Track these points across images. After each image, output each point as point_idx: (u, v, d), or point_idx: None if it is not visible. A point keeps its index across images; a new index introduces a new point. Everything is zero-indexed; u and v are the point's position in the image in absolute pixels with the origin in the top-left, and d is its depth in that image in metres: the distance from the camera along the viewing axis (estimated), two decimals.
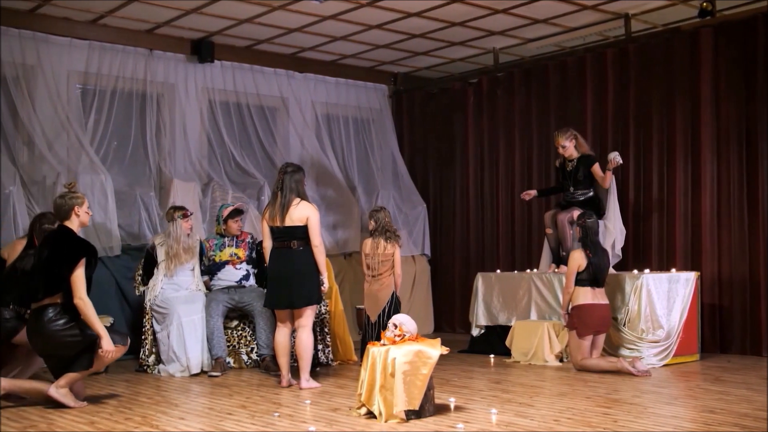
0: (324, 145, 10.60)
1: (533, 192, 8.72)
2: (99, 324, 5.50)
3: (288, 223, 6.27)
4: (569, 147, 8.08)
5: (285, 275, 6.27)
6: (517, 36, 9.61)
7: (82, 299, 5.43)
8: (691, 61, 8.53)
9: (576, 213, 7.67)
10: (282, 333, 6.38)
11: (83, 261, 5.46)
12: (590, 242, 7.06)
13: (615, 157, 7.88)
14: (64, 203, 5.61)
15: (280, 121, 10.50)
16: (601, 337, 7.07)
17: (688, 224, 8.53)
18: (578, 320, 6.96)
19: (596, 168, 8.02)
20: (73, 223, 5.62)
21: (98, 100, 9.01)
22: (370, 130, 11.26)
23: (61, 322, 5.40)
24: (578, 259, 7.01)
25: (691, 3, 8.39)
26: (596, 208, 7.99)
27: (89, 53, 8.96)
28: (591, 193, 8.09)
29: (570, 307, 7.07)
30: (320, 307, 7.73)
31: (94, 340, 5.46)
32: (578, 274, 7.00)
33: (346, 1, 8.33)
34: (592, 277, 6.97)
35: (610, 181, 8.02)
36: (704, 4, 8.25)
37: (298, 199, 6.31)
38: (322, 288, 6.47)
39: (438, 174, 11.24)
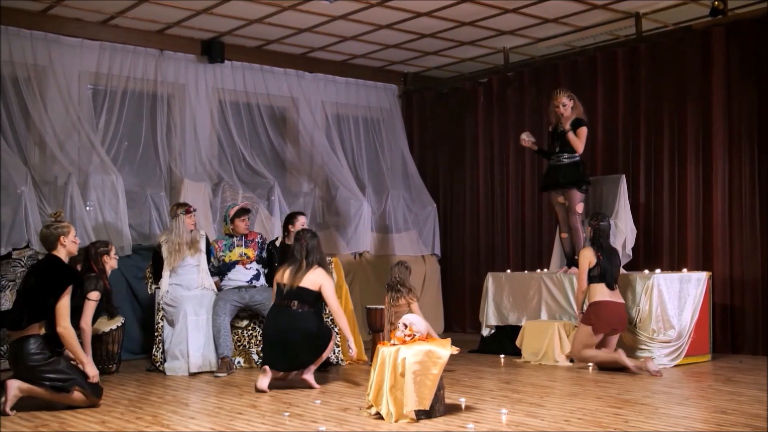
0: (334, 144, 10.60)
1: (535, 146, 8.27)
2: (81, 352, 5.51)
3: (297, 283, 6.28)
4: (569, 106, 7.88)
5: (281, 337, 6.22)
6: (528, 35, 9.59)
7: (66, 328, 5.40)
8: (702, 60, 8.49)
9: (579, 207, 7.74)
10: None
11: (69, 289, 5.44)
12: (602, 244, 7.07)
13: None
14: (49, 233, 5.58)
15: (290, 121, 10.52)
16: (615, 338, 7.05)
17: (700, 224, 8.49)
18: (595, 317, 6.93)
19: (582, 130, 7.79)
20: (61, 253, 5.58)
21: (109, 100, 9.05)
22: (380, 129, 11.26)
23: (42, 356, 5.35)
24: (588, 256, 7.01)
25: (703, 2, 8.35)
26: (579, 173, 7.86)
27: (100, 54, 9.00)
28: (577, 158, 7.88)
29: (587, 303, 7.06)
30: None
31: (71, 382, 5.41)
32: (590, 271, 7.00)
33: (356, 1, 8.33)
34: (602, 275, 6.97)
35: (580, 147, 7.80)
36: (716, 2, 8.21)
37: (316, 266, 6.36)
38: (350, 353, 6.47)
39: (448, 174, 11.23)
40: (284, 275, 6.37)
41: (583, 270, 7.03)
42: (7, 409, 5.25)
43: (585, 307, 7.09)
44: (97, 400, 5.55)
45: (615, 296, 7.02)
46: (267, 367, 6.19)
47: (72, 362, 5.56)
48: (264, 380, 6.13)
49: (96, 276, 6.44)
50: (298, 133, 10.48)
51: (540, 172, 9.86)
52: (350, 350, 6.46)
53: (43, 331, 5.44)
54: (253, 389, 6.17)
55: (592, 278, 7.00)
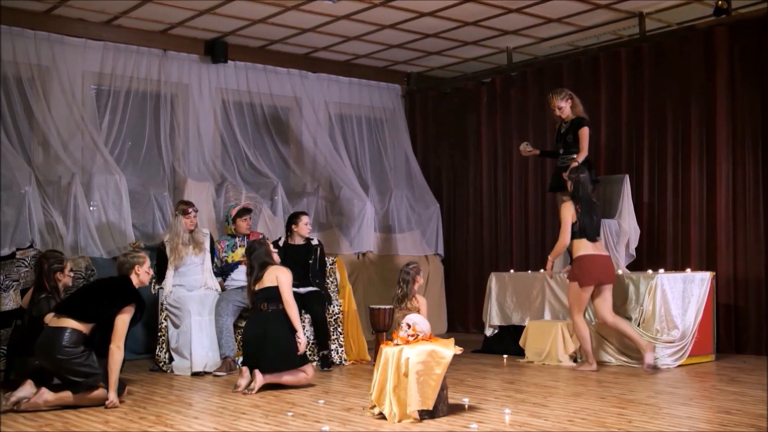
0: (337, 144, 10.61)
1: (536, 151, 8.48)
2: (116, 378, 5.52)
3: (260, 286, 6.36)
4: (566, 108, 7.83)
5: (254, 339, 6.26)
6: (531, 35, 9.59)
7: (119, 348, 5.49)
8: (705, 59, 8.48)
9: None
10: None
11: (132, 309, 5.55)
12: (582, 197, 7.02)
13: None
14: (126, 261, 5.83)
15: (294, 121, 10.52)
16: (608, 291, 7.01)
17: (703, 224, 8.48)
18: (579, 271, 6.93)
19: (583, 132, 7.70)
20: (133, 280, 5.78)
21: (113, 100, 9.06)
22: (383, 129, 11.27)
23: (76, 350, 5.40)
24: (571, 209, 6.97)
25: (706, 1, 8.34)
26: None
27: (104, 54, 9.02)
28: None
29: (571, 259, 7.09)
30: (334, 306, 7.74)
31: (98, 377, 5.46)
32: (572, 226, 6.97)
33: (359, 1, 8.33)
34: (582, 230, 6.94)
35: (583, 155, 7.66)
36: (719, 2, 8.19)
37: (270, 265, 6.43)
38: (299, 347, 6.33)
39: (451, 173, 11.23)
40: (248, 288, 6.52)
41: (566, 223, 6.96)
42: (21, 406, 5.31)
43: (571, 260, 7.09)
44: (120, 397, 5.63)
45: (598, 249, 7.02)
46: (244, 368, 6.23)
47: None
48: (241, 380, 6.15)
49: (47, 297, 6.23)
50: (301, 133, 10.48)
51: (543, 171, 9.89)
52: (298, 342, 6.31)
53: (84, 331, 5.46)
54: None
55: (573, 234, 6.97)
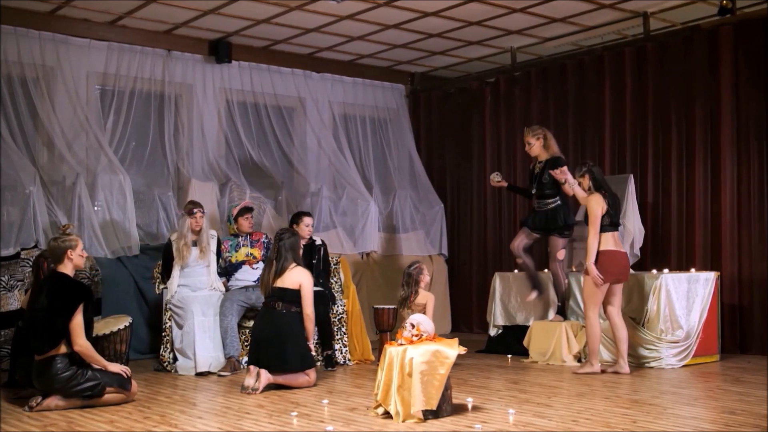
0: (341, 144, 10.61)
1: (504, 183, 8.26)
2: (103, 360, 5.55)
3: (279, 284, 6.33)
4: (535, 145, 7.69)
5: (264, 337, 6.26)
6: (535, 35, 9.58)
7: (82, 345, 5.44)
8: (710, 59, 8.47)
9: (561, 254, 7.70)
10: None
11: (81, 307, 5.45)
12: (607, 190, 6.88)
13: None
14: (57, 246, 5.59)
15: (298, 121, 10.53)
16: (620, 288, 6.96)
17: (708, 224, 8.47)
18: (599, 266, 6.77)
19: (563, 168, 7.32)
20: (67, 267, 5.61)
21: (117, 100, 9.07)
22: (387, 129, 11.26)
23: (69, 374, 5.41)
24: (600, 201, 6.79)
25: (711, 1, 8.33)
26: (560, 219, 7.59)
27: (108, 54, 9.03)
28: (558, 202, 7.62)
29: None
30: (338, 306, 7.74)
31: (100, 386, 5.47)
32: (601, 219, 6.81)
33: (363, 0, 8.33)
34: (613, 218, 6.82)
35: (571, 191, 7.24)
36: (724, 1, 8.17)
37: (294, 264, 6.41)
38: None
39: (455, 174, 11.23)
40: (264, 276, 6.47)
41: (597, 217, 6.76)
42: (33, 408, 5.36)
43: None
44: (131, 393, 5.64)
45: (617, 244, 6.89)
46: (251, 366, 6.20)
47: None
48: (249, 379, 6.11)
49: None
50: (305, 133, 10.48)
51: None
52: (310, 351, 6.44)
53: (67, 350, 5.46)
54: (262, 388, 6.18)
55: (602, 227, 6.79)
